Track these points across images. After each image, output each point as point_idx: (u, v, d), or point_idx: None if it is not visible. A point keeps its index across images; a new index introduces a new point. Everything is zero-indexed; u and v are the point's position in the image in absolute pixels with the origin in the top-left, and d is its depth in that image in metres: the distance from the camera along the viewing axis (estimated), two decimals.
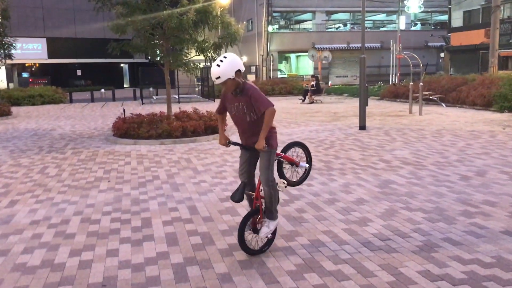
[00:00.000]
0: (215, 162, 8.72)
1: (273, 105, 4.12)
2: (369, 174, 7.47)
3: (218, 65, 4.05)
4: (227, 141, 4.49)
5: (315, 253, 4.35)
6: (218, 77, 4.05)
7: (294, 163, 4.82)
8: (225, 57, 4.09)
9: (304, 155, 5.07)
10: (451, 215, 5.31)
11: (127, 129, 11.67)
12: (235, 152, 9.68)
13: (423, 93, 16.66)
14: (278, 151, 4.64)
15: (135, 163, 8.88)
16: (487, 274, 3.81)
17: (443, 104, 18.73)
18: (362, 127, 12.68)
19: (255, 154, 4.33)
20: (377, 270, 3.95)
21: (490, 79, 18.22)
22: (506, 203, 5.71)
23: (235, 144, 4.47)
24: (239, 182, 7.03)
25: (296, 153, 5.04)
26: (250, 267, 4.09)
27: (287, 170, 4.87)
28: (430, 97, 18.58)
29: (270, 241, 4.46)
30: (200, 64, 14.21)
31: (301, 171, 4.99)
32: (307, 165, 4.94)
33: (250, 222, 4.41)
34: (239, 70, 4.09)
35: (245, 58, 40.84)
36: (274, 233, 4.49)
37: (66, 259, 4.36)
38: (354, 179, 7.17)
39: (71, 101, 27.68)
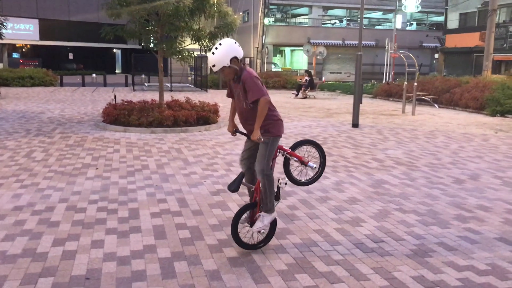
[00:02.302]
0: (206, 154, 8.57)
1: (266, 95, 3.94)
2: (362, 172, 7.37)
3: (213, 53, 3.95)
4: (234, 129, 4.37)
5: (306, 253, 4.24)
6: (214, 65, 3.97)
7: (302, 162, 4.53)
8: (220, 44, 3.97)
9: (318, 156, 4.73)
10: (445, 219, 5.23)
11: (117, 116, 11.46)
12: (227, 145, 9.54)
13: (417, 93, 16.62)
14: (287, 147, 4.50)
15: (124, 151, 8.70)
16: (482, 282, 3.73)
17: (435, 105, 18.72)
18: (355, 124, 12.60)
19: (257, 144, 4.18)
20: (370, 274, 3.84)
21: (484, 82, 18.25)
22: (500, 209, 5.64)
23: (242, 133, 4.33)
24: (231, 175, 6.95)
25: (308, 152, 4.72)
26: (240, 264, 3.96)
27: (295, 168, 4.63)
28: (423, 97, 18.56)
29: (267, 238, 4.32)
30: (194, 53, 14.00)
31: (311, 172, 4.67)
32: (314, 166, 4.54)
33: (249, 216, 4.28)
34: (235, 57, 3.95)
35: None
36: (272, 229, 4.33)
37: (49, 249, 4.20)
38: (346, 177, 7.07)
39: (61, 84, 27.27)
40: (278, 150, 4.33)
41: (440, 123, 13.72)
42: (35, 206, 5.37)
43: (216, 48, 3.94)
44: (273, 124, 4.13)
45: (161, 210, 5.34)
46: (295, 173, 4.64)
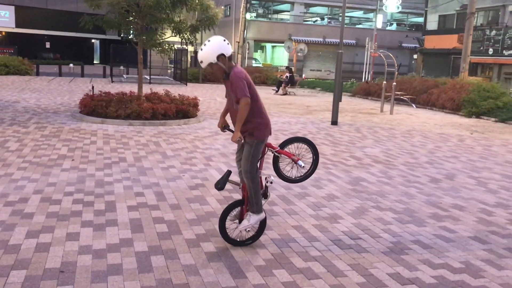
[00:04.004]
0: (185, 148, 8.50)
1: (246, 96, 3.87)
2: (340, 170, 7.42)
3: (201, 49, 3.95)
4: (223, 126, 4.32)
5: (284, 249, 4.24)
6: (201, 61, 3.98)
7: (292, 160, 4.38)
8: (209, 41, 3.96)
9: (311, 153, 4.54)
10: (421, 217, 5.30)
11: (95, 107, 11.27)
12: (207, 139, 9.49)
13: (395, 93, 16.80)
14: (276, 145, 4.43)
15: (101, 143, 8.57)
16: (456, 280, 3.79)
17: (413, 105, 18.97)
18: (334, 122, 12.67)
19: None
20: (347, 270, 3.87)
21: (461, 84, 18.56)
22: (474, 208, 5.75)
23: (231, 131, 4.26)
24: (210, 170, 6.92)
25: (299, 149, 4.54)
26: (218, 259, 3.94)
27: (285, 165, 4.50)
28: (402, 97, 18.78)
29: (255, 236, 4.29)
30: (174, 45, 13.85)
31: (302, 169, 4.47)
32: (303, 165, 4.36)
33: (239, 213, 4.27)
34: (222, 54, 3.92)
35: None
36: (260, 229, 4.30)
37: (22, 241, 4.10)
38: (325, 174, 7.10)
39: (37, 73, 26.68)
40: (267, 148, 4.26)
41: (417, 123, 13.91)
42: (8, 197, 5.24)
43: (205, 45, 3.94)
44: (257, 128, 4.06)
45: (138, 203, 5.28)
46: (285, 171, 4.51)
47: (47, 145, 8.11)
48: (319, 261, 4.01)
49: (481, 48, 29.26)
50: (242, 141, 4.00)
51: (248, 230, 4.25)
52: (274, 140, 4.51)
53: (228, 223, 4.21)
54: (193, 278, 3.60)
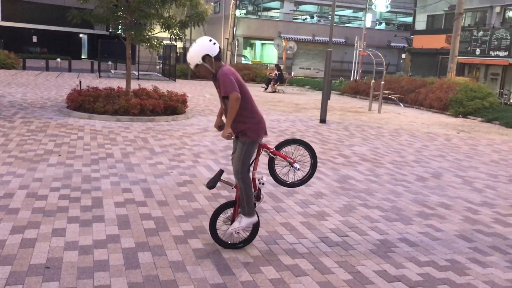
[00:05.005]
0: (173, 144, 8.46)
1: (235, 91, 3.80)
2: (329, 168, 7.44)
3: (189, 51, 3.98)
4: (220, 126, 4.25)
5: (272, 246, 4.24)
6: (189, 63, 3.99)
7: (288, 162, 4.26)
8: (195, 42, 3.98)
9: (308, 156, 4.38)
10: (407, 215, 5.34)
11: (82, 102, 11.18)
12: (195, 136, 9.46)
13: (383, 92, 16.89)
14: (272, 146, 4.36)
15: (88, 138, 8.49)
16: (442, 277, 3.82)
17: (401, 104, 19.09)
18: (323, 120, 12.71)
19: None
20: (335, 267, 3.88)
21: (448, 83, 18.70)
22: (460, 207, 5.81)
23: None
24: (198, 167, 6.89)
25: (297, 152, 4.37)
26: (205, 256, 3.93)
27: (282, 168, 4.36)
28: (390, 96, 18.89)
29: (246, 240, 4.19)
30: (163, 41, 13.76)
31: (300, 173, 4.34)
32: (298, 167, 4.23)
33: (232, 214, 4.19)
34: (207, 55, 3.90)
35: None
36: (253, 232, 4.20)
37: (7, 236, 4.05)
38: None
39: (24, 68, 26.37)
40: (262, 149, 4.17)
41: (405, 122, 14.01)
42: None
43: (191, 46, 3.96)
44: (250, 129, 4.00)
45: (126, 199, 5.24)
46: (282, 174, 4.38)
47: (33, 140, 8.02)
48: (306, 258, 4.02)
49: (469, 48, 29.50)
50: (233, 137, 3.97)
51: (238, 233, 4.13)
52: (264, 139, 4.42)
53: (219, 224, 4.13)
54: (180, 274, 3.59)
